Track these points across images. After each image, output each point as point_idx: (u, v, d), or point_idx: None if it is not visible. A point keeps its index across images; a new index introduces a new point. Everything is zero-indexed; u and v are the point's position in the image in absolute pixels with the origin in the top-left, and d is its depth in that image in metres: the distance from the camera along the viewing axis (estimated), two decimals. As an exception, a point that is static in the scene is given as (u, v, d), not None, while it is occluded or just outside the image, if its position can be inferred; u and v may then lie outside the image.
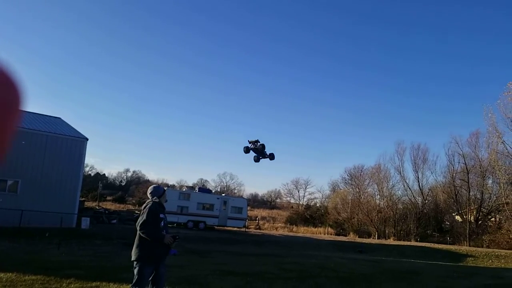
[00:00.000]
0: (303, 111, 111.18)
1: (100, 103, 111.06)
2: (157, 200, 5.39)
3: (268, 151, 17.95)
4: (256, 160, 17.70)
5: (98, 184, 52.55)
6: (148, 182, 59.97)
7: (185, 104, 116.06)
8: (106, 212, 34.32)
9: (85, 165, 37.41)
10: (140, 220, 5.11)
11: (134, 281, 5.02)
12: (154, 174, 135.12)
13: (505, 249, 34.15)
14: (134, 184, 74.28)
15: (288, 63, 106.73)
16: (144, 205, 5.37)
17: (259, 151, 17.24)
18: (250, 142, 17.37)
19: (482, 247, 36.09)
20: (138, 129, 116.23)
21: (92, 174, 73.73)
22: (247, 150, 17.25)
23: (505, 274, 15.74)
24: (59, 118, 27.98)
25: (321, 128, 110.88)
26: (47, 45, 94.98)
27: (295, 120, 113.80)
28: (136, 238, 5.19)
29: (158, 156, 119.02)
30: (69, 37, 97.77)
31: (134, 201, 55.99)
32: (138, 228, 5.09)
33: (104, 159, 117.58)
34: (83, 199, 40.74)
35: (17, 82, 0.68)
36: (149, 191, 5.58)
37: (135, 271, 5.05)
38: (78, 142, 24.74)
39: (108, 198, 59.20)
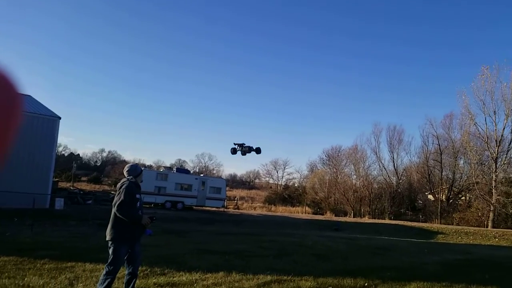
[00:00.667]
0: (282, 88, 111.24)
1: (74, 82, 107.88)
2: (133, 180, 5.25)
3: (252, 144, 18.40)
4: (243, 154, 18.08)
5: (72, 164, 51.39)
6: (124, 162, 59.06)
7: (162, 84, 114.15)
8: (81, 192, 33.71)
9: (58, 144, 36.47)
10: (117, 200, 4.98)
11: (109, 260, 4.93)
12: (130, 154, 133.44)
13: (474, 226, 35.64)
14: (110, 165, 73.13)
15: (272, 37, 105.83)
16: (120, 184, 5.22)
17: (245, 152, 17.66)
18: (235, 144, 17.75)
19: (453, 224, 37.54)
20: (114, 109, 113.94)
21: (66, 154, 72.09)
22: (234, 151, 17.68)
23: (473, 250, 16.39)
24: (29, 95, 26.89)
25: (300, 108, 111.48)
26: (18, 24, 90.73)
27: (275, 97, 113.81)
28: (111, 218, 5.08)
29: (134, 136, 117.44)
30: (44, 15, 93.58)
31: (110, 182, 55.20)
32: (115, 208, 4.97)
33: (78, 139, 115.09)
34: (57, 179, 39.84)
35: (15, 84, 0.67)
36: (126, 169, 5.41)
37: (110, 251, 4.96)
38: (50, 121, 23.94)
39: (83, 178, 58.14)
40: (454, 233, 28.10)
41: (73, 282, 6.10)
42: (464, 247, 17.90)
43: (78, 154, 77.63)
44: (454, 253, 14.12)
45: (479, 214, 39.13)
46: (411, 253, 12.95)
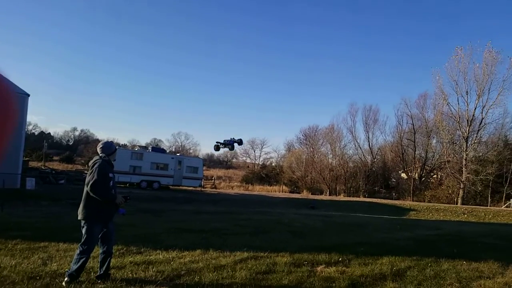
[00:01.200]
0: (259, 65, 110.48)
1: (44, 58, 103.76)
2: (106, 158, 5.11)
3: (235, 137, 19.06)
4: (224, 147, 18.71)
5: (43, 143, 49.91)
6: (97, 142, 57.76)
7: (137, 62, 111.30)
8: (53, 172, 32.90)
9: (27, 123, 35.26)
10: (90, 180, 4.84)
11: (83, 240, 4.85)
12: (104, 133, 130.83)
13: (444, 203, 37.04)
14: (83, 144, 71.50)
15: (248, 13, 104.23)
16: (92, 163, 5.06)
17: (230, 148, 18.36)
18: (218, 143, 18.38)
19: (424, 201, 38.87)
20: (86, 88, 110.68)
21: (36, 133, 69.89)
22: (217, 148, 18.23)
23: (443, 226, 17.01)
24: (-4, 71, 25.71)
25: (278, 87, 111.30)
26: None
27: (251, 75, 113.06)
28: (83, 197, 4.96)
29: (108, 115, 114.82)
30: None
31: (83, 161, 54.07)
32: (88, 188, 4.84)
33: (48, 118, 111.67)
34: (27, 159, 38.69)
35: (9, 85, 0.68)
36: (99, 145, 5.25)
37: (84, 230, 4.88)
38: (19, 98, 23.00)
39: (55, 158, 56.68)
40: (426, 210, 29.10)
41: (47, 262, 5.97)
42: (434, 223, 18.56)
43: (49, 133, 75.56)
44: (425, 229, 14.61)
45: (450, 191, 40.65)
46: (384, 229, 13.32)
